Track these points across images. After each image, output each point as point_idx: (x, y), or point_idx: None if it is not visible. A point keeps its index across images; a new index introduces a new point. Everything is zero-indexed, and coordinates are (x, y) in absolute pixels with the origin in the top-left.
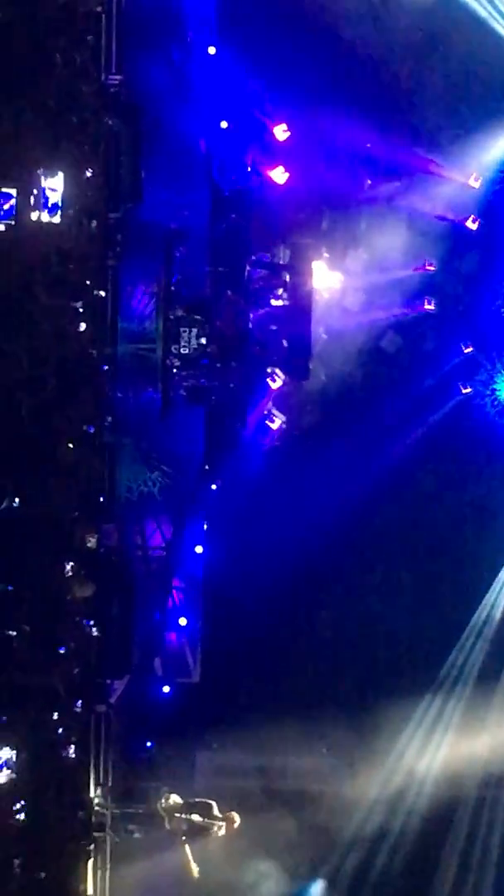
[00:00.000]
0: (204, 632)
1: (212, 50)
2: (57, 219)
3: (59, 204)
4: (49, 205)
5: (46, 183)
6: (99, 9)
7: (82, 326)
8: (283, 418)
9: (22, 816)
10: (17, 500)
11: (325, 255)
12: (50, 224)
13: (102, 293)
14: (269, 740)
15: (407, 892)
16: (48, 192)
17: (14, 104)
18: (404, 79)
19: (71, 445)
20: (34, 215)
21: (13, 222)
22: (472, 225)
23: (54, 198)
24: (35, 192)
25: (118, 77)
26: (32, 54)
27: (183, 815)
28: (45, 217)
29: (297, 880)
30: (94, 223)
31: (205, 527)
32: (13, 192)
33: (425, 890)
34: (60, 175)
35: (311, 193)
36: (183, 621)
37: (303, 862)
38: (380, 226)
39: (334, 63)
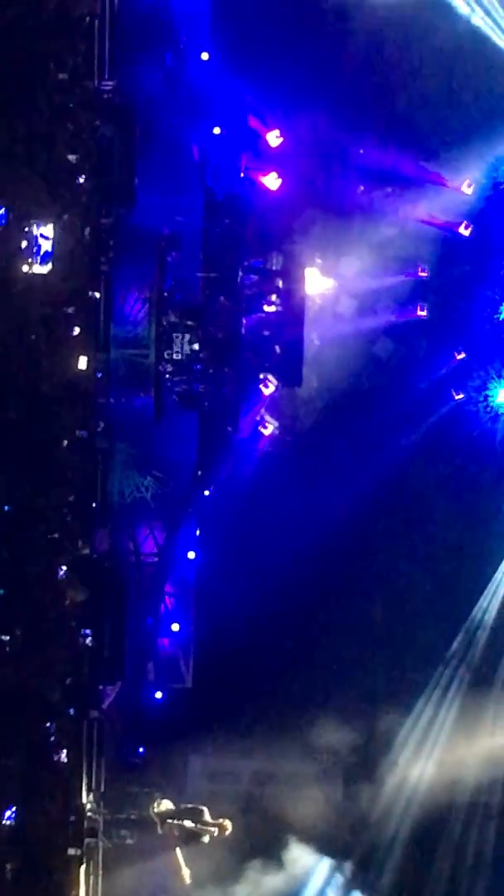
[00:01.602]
0: (196, 637)
1: (205, 56)
2: (48, 268)
3: (51, 251)
4: (41, 253)
5: (38, 231)
6: (91, 15)
7: (75, 331)
8: (276, 424)
9: (14, 822)
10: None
11: (318, 261)
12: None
13: (95, 298)
14: (262, 745)
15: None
16: (40, 241)
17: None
18: (397, 85)
19: (64, 451)
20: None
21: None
22: (464, 231)
23: (46, 246)
24: (26, 242)
25: (111, 82)
26: (25, 60)
27: (175, 821)
28: (37, 269)
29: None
30: (88, 229)
31: (197, 532)
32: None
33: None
34: (51, 225)
35: (303, 199)
36: (175, 627)
37: (296, 866)
38: (372, 232)
39: (327, 70)
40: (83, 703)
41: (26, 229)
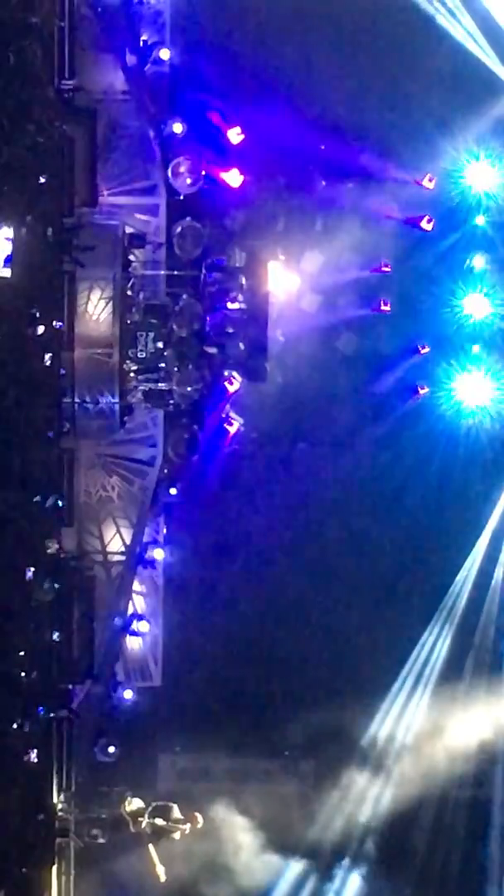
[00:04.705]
0: (164, 636)
1: (165, 54)
2: (8, 272)
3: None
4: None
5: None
6: (52, 14)
7: (39, 331)
8: (241, 421)
9: None
10: None
11: (281, 257)
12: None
13: (59, 297)
14: (231, 743)
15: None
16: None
17: None
18: (358, 81)
19: (30, 452)
20: None
21: None
22: (426, 225)
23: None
24: None
25: (72, 82)
26: None
27: (146, 819)
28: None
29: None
30: (50, 229)
31: (164, 531)
32: None
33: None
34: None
35: (265, 196)
36: (144, 626)
37: (268, 862)
38: (335, 227)
39: (288, 66)
40: (52, 702)
41: None
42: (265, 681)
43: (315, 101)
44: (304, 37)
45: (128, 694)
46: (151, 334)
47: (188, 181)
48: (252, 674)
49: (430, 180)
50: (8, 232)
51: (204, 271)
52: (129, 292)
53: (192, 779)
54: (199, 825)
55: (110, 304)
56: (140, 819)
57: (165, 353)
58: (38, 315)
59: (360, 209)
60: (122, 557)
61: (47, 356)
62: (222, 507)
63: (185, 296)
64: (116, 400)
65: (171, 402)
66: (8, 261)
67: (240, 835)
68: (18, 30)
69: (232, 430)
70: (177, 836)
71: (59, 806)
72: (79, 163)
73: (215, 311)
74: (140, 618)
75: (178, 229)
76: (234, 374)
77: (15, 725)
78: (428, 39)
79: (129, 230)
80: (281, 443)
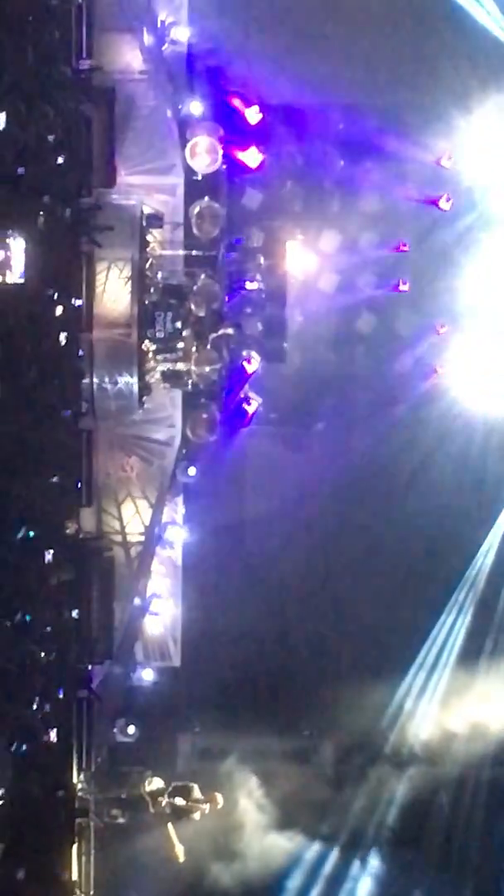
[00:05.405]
0: (184, 616)
1: (183, 33)
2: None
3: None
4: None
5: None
6: None
7: (58, 312)
8: (260, 401)
9: (4, 802)
10: None
11: (299, 237)
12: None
13: (76, 278)
14: (251, 723)
15: (393, 875)
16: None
17: None
18: (375, 60)
19: (48, 432)
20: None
21: None
22: (445, 204)
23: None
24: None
25: (89, 62)
26: (2, 39)
27: (166, 799)
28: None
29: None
30: (68, 210)
31: (183, 511)
32: None
33: (409, 870)
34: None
35: (284, 176)
36: (163, 606)
37: (284, 842)
38: (353, 207)
39: (306, 46)
40: (72, 682)
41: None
42: (285, 660)
43: (334, 81)
44: (323, 16)
45: (147, 674)
46: (170, 314)
47: (206, 161)
48: (271, 653)
49: (449, 159)
50: (21, 244)
51: (222, 251)
52: (147, 272)
53: (211, 759)
54: (220, 805)
55: (128, 284)
56: (160, 799)
57: (184, 334)
58: (56, 297)
59: (379, 189)
60: (141, 538)
61: (63, 335)
62: (241, 487)
63: (203, 276)
64: (135, 380)
65: (190, 382)
66: (23, 275)
67: (259, 815)
68: (36, 10)
69: (250, 410)
70: (197, 816)
71: (79, 786)
72: (97, 143)
73: (233, 291)
74: (159, 598)
75: (196, 209)
76: (253, 354)
77: (34, 706)
78: (447, 18)
79: (147, 210)
80: (299, 423)
